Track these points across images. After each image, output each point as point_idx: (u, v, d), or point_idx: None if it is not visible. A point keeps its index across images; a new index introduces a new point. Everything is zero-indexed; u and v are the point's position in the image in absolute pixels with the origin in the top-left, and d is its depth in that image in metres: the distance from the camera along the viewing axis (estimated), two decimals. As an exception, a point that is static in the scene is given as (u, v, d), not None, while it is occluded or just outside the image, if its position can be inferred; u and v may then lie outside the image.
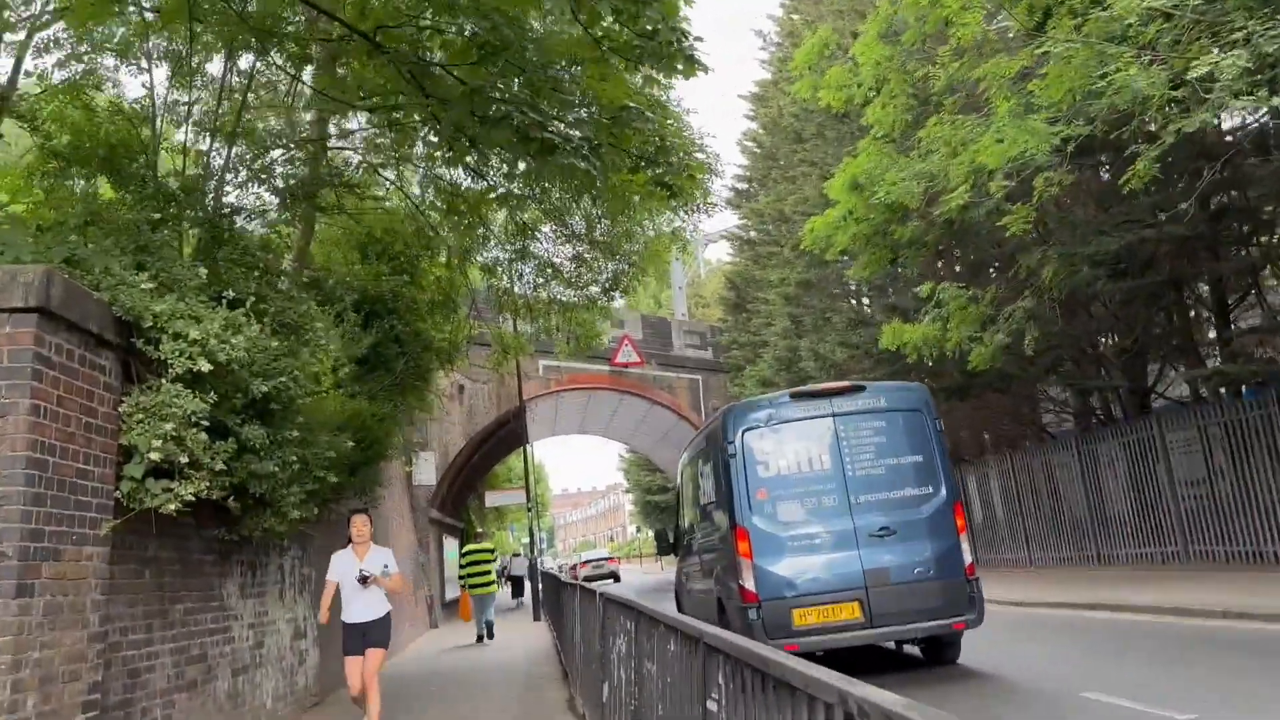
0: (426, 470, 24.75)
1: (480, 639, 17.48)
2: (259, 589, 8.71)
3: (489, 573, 17.79)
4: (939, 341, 14.32)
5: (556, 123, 7.32)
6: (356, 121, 18.14)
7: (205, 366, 5.18)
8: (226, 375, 5.79)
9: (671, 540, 12.76)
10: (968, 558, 8.23)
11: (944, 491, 8.35)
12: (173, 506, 5.38)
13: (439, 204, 16.84)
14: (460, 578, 18.31)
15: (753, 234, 30.45)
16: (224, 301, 5.56)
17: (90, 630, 5.09)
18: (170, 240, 5.85)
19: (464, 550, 18.49)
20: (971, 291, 14.37)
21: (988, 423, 20.48)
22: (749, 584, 8.00)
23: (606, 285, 16.90)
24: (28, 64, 8.00)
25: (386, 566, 8.04)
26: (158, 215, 5.86)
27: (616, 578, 44.51)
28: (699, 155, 8.74)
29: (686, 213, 12.54)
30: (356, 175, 17.97)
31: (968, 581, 8.15)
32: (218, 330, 5.24)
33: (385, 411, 11.58)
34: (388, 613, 8.18)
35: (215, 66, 10.60)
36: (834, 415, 8.46)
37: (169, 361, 5.18)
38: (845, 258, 21.67)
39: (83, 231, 5.61)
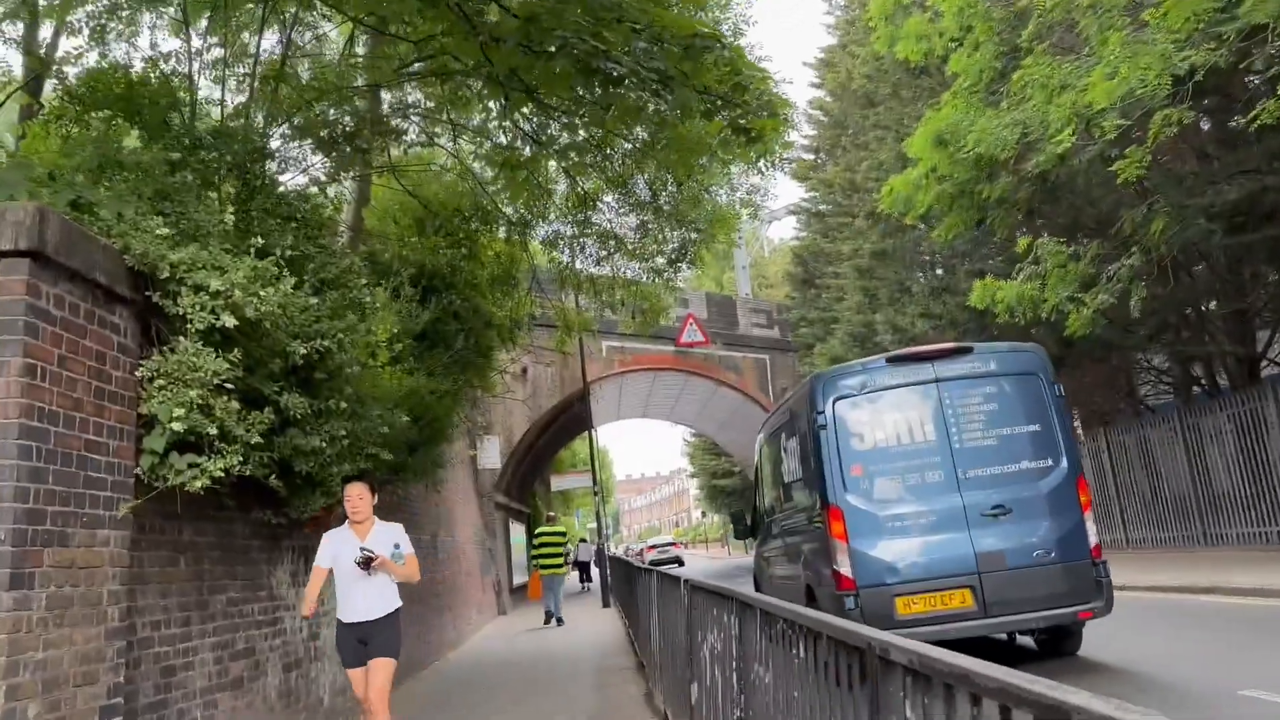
0: (491, 454, 24.24)
1: (548, 619, 17.69)
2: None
3: (559, 554, 18.10)
4: (1034, 302, 13.19)
5: (622, 55, 6.54)
6: (412, 96, 17.61)
7: (230, 322, 4.50)
8: (259, 336, 5.11)
9: (749, 522, 12.02)
10: (1093, 538, 7.36)
11: (1065, 464, 7.48)
12: (199, 484, 4.72)
13: (498, 174, 16.21)
14: (531, 558, 19.09)
15: (821, 206, 29.28)
16: (252, 251, 4.86)
17: (108, 626, 4.45)
18: (194, 185, 5.18)
19: (536, 531, 18.94)
20: (1073, 248, 13.20)
21: (1080, 397, 19.18)
22: (845, 569, 7.24)
23: (672, 256, 16.08)
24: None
25: (398, 547, 6.25)
26: (177, 155, 5.19)
27: (680, 562, 45.44)
28: (777, 91, 7.83)
29: (765, 164, 11.61)
30: (412, 143, 17.43)
31: (1094, 564, 7.28)
32: (243, 281, 4.54)
33: (445, 388, 10.92)
34: (396, 610, 6.22)
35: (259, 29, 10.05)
36: (937, 381, 7.61)
37: (188, 317, 4.49)
38: (921, 226, 20.53)
39: (96, 176, 4.96)
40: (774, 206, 49.33)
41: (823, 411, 7.68)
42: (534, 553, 18.28)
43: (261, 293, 4.64)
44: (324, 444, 6.32)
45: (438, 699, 9.85)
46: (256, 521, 6.72)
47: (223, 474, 4.83)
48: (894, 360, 7.88)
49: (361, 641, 6.01)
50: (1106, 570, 7.36)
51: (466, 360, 13.09)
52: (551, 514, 23.99)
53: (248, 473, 5.04)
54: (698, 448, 60.49)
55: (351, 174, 10.33)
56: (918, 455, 7.46)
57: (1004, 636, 8.63)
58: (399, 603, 6.23)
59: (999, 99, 14.99)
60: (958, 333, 17.14)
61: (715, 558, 63.38)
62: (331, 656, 8.33)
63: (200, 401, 4.70)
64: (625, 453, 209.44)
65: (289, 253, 5.49)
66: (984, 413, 7.52)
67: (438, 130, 17.03)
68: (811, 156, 30.73)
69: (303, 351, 5.28)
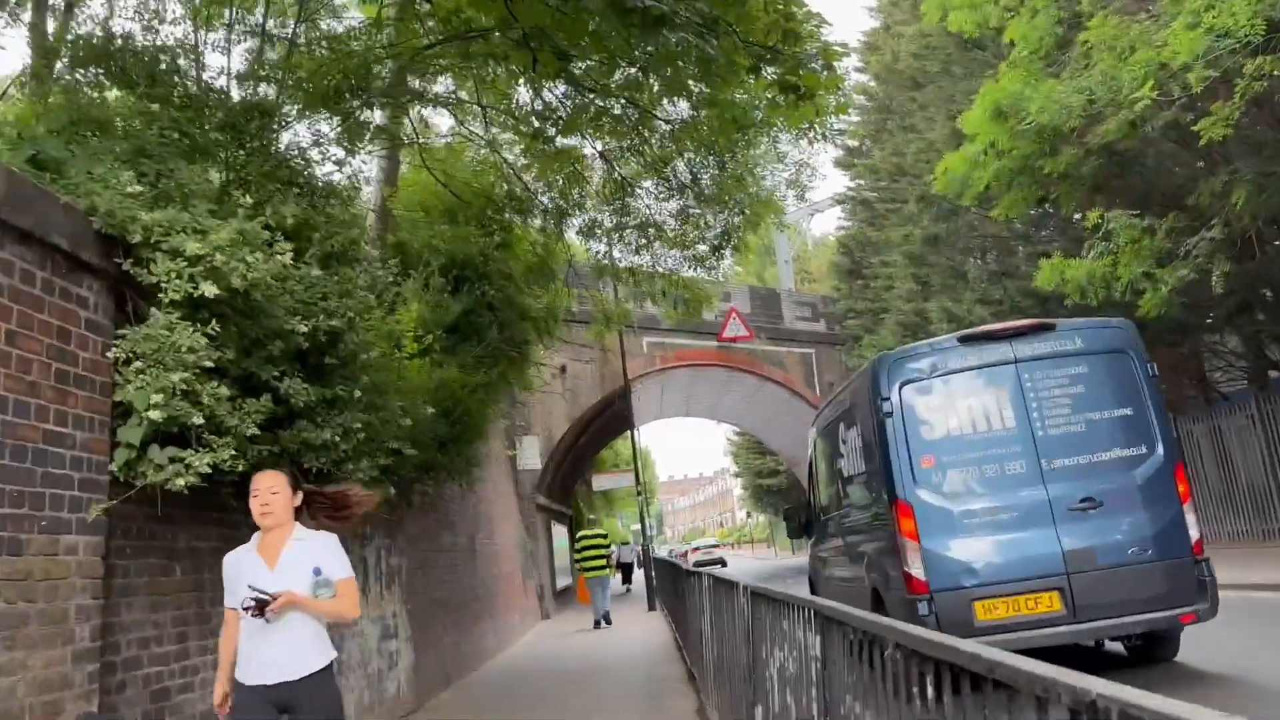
0: (531, 454, 23.64)
1: (598, 624, 17.62)
2: (335, 584, 7.48)
3: (603, 557, 18.23)
4: (1107, 281, 12.25)
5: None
6: (439, 85, 17.05)
7: (210, 291, 3.86)
8: (253, 312, 4.47)
9: (803, 521, 11.24)
10: (1194, 532, 6.65)
11: (1161, 451, 6.77)
12: (182, 482, 4.09)
13: (528, 147, 15.57)
14: (575, 562, 19.11)
15: (867, 194, 28.32)
16: (240, 212, 4.21)
17: (76, 646, 3.83)
18: (178, 143, 4.56)
19: (579, 536, 19.24)
20: (1147, 221, 12.23)
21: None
22: (916, 571, 6.62)
23: (715, 243, 15.33)
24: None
25: (319, 573, 3.89)
26: (156, 105, 4.58)
27: (723, 563, 45.66)
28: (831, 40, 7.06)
29: (816, 131, 10.83)
30: (444, 134, 16.86)
31: (1196, 562, 6.58)
32: (227, 244, 3.89)
33: (479, 380, 10.28)
34: (327, 665, 3.89)
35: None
36: (1016, 361, 6.95)
37: (163, 286, 3.86)
38: (974, 210, 19.55)
39: (68, 135, 4.35)
40: (817, 198, 48.28)
41: (888, 398, 7.03)
42: (577, 557, 18.64)
43: (249, 258, 4.00)
44: (337, 438, 5.69)
45: (473, 714, 9.20)
46: (267, 525, 6.12)
47: (210, 470, 4.20)
48: (967, 340, 7.19)
49: (281, 710, 3.71)
50: (1210, 569, 6.64)
51: (500, 353, 12.45)
52: (592, 518, 23.97)
53: (240, 469, 4.40)
54: (742, 447, 59.60)
55: (369, 146, 9.71)
56: (996, 444, 6.82)
57: (1091, 642, 7.79)
58: (331, 654, 3.96)
59: (1059, 69, 14.07)
60: (1018, 319, 16.18)
61: (761, 558, 62.40)
62: (357, 672, 7.71)
63: (184, 387, 4.07)
64: (668, 453, 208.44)
65: (290, 219, 4.84)
66: (1069, 396, 6.88)
67: (468, 120, 16.49)
68: (855, 143, 29.77)
69: (304, 330, 4.63)
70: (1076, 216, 16.24)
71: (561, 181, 15.65)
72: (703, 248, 15.47)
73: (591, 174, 15.93)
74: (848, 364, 29.34)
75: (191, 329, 3.83)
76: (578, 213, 16.01)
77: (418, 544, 10.07)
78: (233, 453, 4.36)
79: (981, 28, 15.73)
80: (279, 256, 4.55)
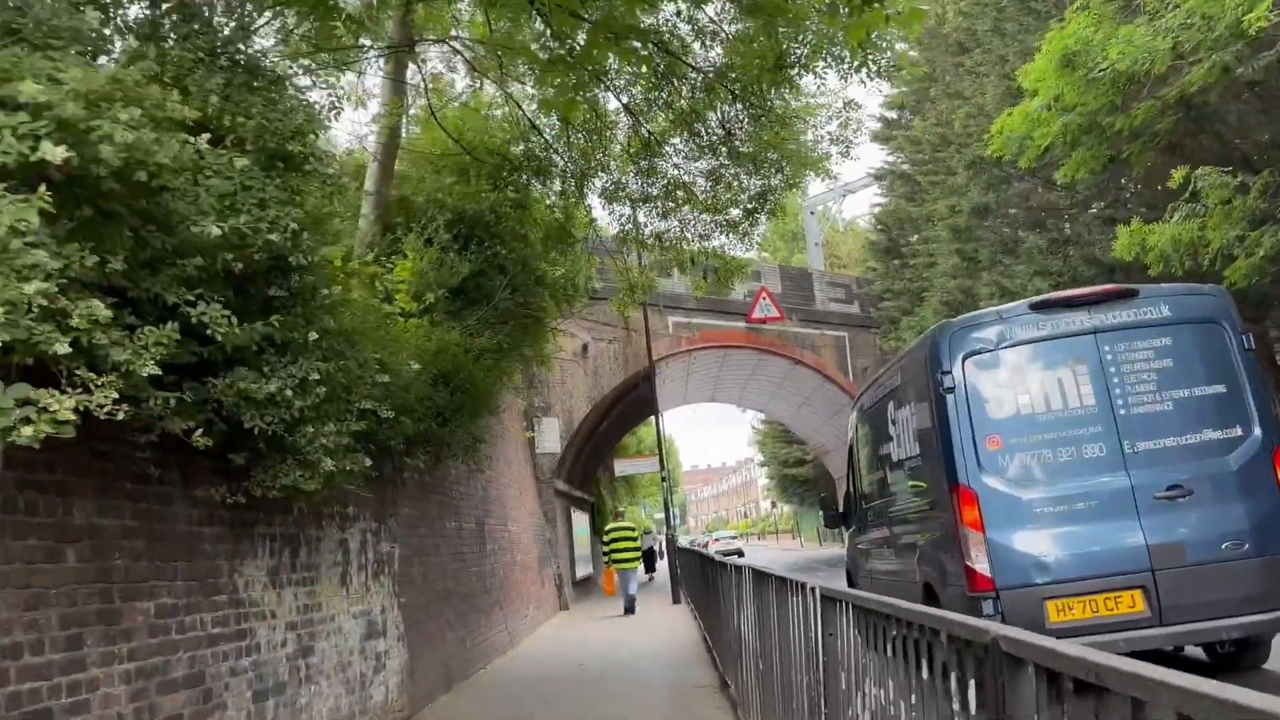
0: (550, 437, 22.51)
1: (627, 611, 17.93)
2: (306, 574, 6.34)
3: (633, 548, 18.78)
4: (1194, 245, 10.87)
5: None
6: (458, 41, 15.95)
7: (56, 156, 2.67)
8: (156, 214, 3.28)
9: (840, 510, 10.53)
10: None
11: (1258, 432, 6.09)
12: (29, 432, 2.91)
13: (544, 84, 14.36)
14: (605, 554, 19.64)
15: (905, 167, 26.89)
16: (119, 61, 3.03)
17: None
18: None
19: (608, 529, 19.81)
20: (1240, 179, 10.84)
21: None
22: (980, 565, 5.94)
23: (749, 206, 14.05)
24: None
25: None
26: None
27: (741, 553, 46.97)
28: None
29: (873, 57, 9.54)
30: (460, 94, 15.73)
31: None
32: (75, 87, 2.70)
33: (485, 346, 9.11)
34: None
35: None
36: (1096, 332, 6.22)
37: (-11, 147, 2.67)
38: (1028, 179, 18.14)
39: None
40: (849, 179, 46.85)
41: (949, 371, 6.29)
42: (606, 549, 19.20)
43: (123, 115, 2.81)
44: (288, 391, 4.51)
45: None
46: (208, 501, 4.95)
47: (77, 417, 3.02)
48: (1039, 307, 6.42)
49: None
50: None
51: (514, 320, 11.27)
52: (620, 510, 24.41)
53: (121, 417, 3.22)
54: (768, 435, 58.29)
55: (359, 62, 8.56)
56: (1072, 424, 6.14)
57: (1170, 647, 6.69)
58: None
59: (1131, 16, 12.67)
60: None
61: (786, 549, 61.10)
62: (333, 676, 6.57)
63: (44, 302, 2.90)
64: (692, 442, 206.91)
65: (213, 97, 3.66)
66: (1155, 371, 6.19)
67: (485, 76, 15.31)
68: (894, 115, 28.33)
69: (217, 232, 3.43)
70: (1139, 189, 14.83)
71: (583, 139, 14.49)
72: (735, 212, 14.21)
73: (615, 133, 14.73)
74: (883, 348, 27.97)
75: (18, 200, 2.64)
76: (600, 174, 14.82)
77: (415, 528, 8.91)
78: (116, 395, 3.18)
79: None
80: (192, 142, 3.36)
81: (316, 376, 4.68)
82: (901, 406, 7.43)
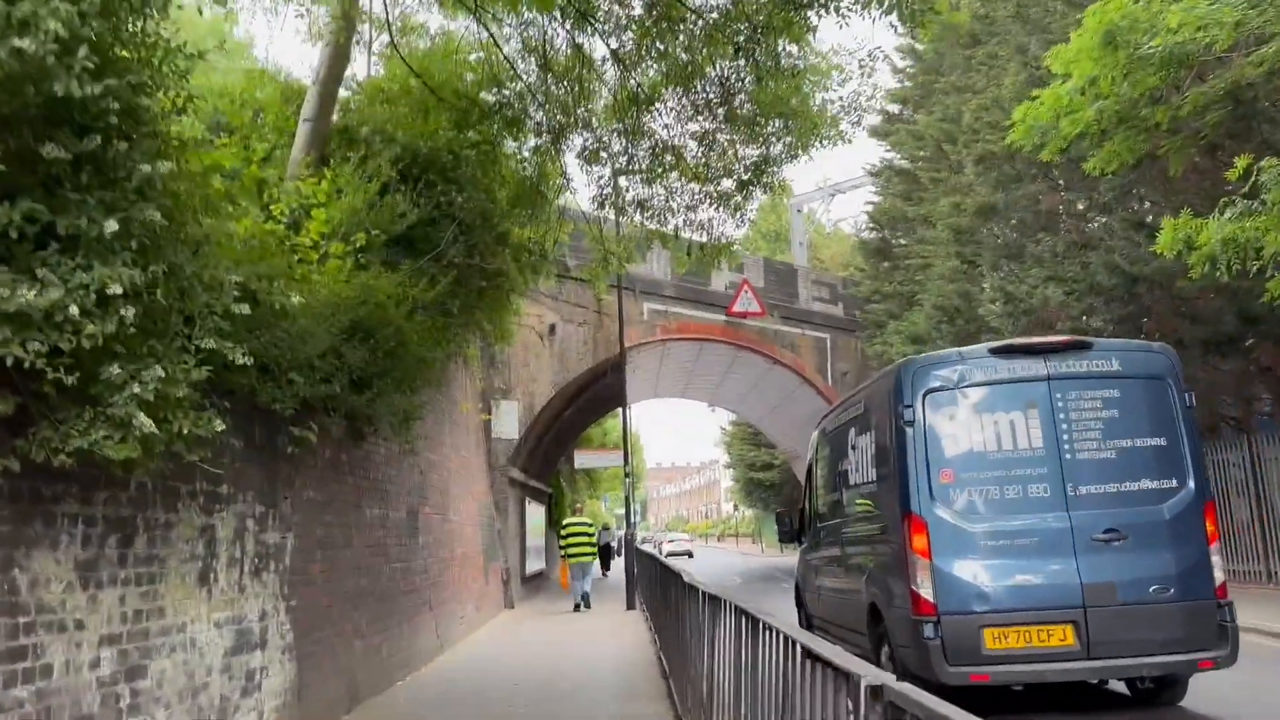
0: (508, 422, 20.94)
1: (577, 608, 18.02)
2: (143, 570, 4.77)
3: (587, 544, 18.90)
4: (1246, 247, 9.52)
5: None
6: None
7: None
8: None
9: (795, 525, 10.89)
10: (1219, 575, 6.44)
11: (1192, 485, 6.55)
12: None
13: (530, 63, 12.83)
14: (561, 548, 19.62)
15: (903, 162, 25.53)
16: None
17: None
18: None
19: (565, 523, 20.07)
20: (1307, 178, 9.50)
21: (1239, 390, 15.41)
22: (925, 591, 6.29)
23: (744, 178, 12.56)
24: None
25: None
26: None
27: (690, 555, 51.02)
28: None
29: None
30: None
31: (1219, 606, 6.36)
32: None
33: (425, 298, 7.57)
34: None
35: None
36: (1050, 379, 6.64)
37: None
38: (1046, 171, 16.81)
39: None
40: (839, 180, 45.58)
41: (911, 405, 6.69)
42: (563, 543, 19.21)
43: None
44: (73, 307, 2.96)
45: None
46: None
47: None
48: (999, 351, 6.88)
49: None
50: (1233, 613, 6.35)
51: (467, 280, 9.73)
52: (579, 506, 23.82)
53: None
54: (736, 436, 56.97)
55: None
56: (1021, 464, 6.53)
57: (1095, 680, 7.33)
58: None
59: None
60: (1101, 300, 13.43)
61: (746, 554, 59.83)
62: (176, 703, 5.00)
63: None
64: (656, 439, 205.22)
65: None
66: (1102, 420, 6.58)
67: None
68: (895, 109, 26.99)
69: None
70: (1169, 190, 13.50)
71: (564, 89, 12.94)
72: (728, 183, 12.72)
73: (600, 86, 13.19)
74: (866, 352, 26.65)
75: None
76: (580, 131, 13.27)
77: (319, 515, 7.34)
78: None
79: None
80: None
81: (120, 290, 3.12)
82: (863, 433, 7.76)
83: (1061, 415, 6.52)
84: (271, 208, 6.14)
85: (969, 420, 6.65)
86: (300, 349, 5.25)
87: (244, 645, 5.91)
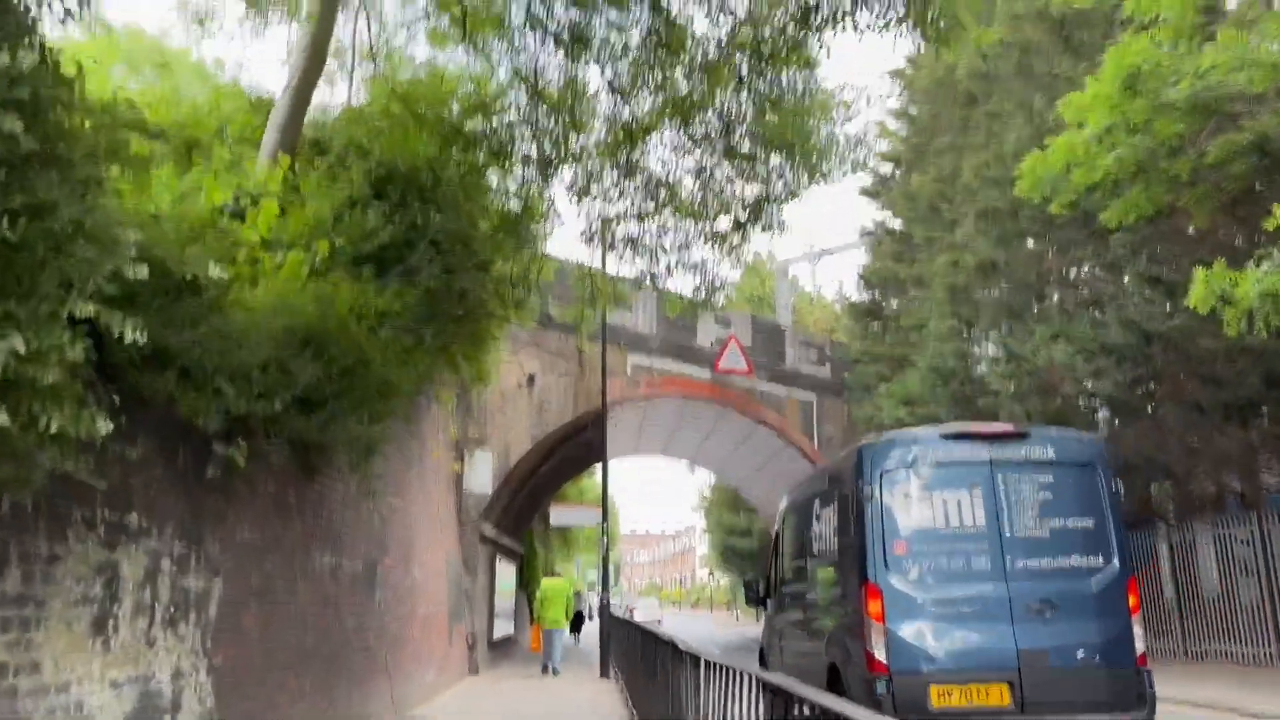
0: (482, 473, 19.88)
1: (545, 669, 17.95)
2: (12, 612, 3.81)
3: (560, 606, 18.57)
4: (1286, 302, 8.84)
5: None
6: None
7: None
8: None
9: (762, 592, 11.22)
10: (1139, 645, 7.06)
11: (1116, 563, 7.22)
12: None
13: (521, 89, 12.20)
14: (534, 610, 19.41)
15: (896, 224, 25.10)
16: None
17: None
18: None
19: (542, 585, 19.66)
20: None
21: (1224, 468, 14.68)
22: (879, 652, 6.85)
23: (741, 218, 11.88)
24: None
25: None
26: None
27: (660, 623, 51.07)
28: None
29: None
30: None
31: (1138, 673, 6.93)
32: None
33: (389, 310, 6.72)
34: None
35: None
36: (992, 463, 7.30)
37: None
38: (1041, 234, 16.30)
39: None
40: (830, 244, 45.39)
41: (870, 483, 7.29)
42: (538, 605, 18.90)
43: None
44: None
45: None
46: None
47: None
48: (949, 436, 7.53)
49: None
50: (1151, 681, 6.97)
51: (444, 305, 8.87)
52: (558, 571, 24.14)
53: None
54: (715, 502, 55.84)
55: None
56: (966, 539, 7.14)
57: None
58: None
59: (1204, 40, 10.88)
60: (1111, 360, 12.73)
61: (721, 624, 58.24)
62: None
63: None
64: (631, 504, 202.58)
65: None
66: (1038, 502, 7.25)
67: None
68: (888, 170, 26.67)
69: None
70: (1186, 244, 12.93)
71: (555, 120, 12.30)
72: (725, 222, 12.05)
73: (593, 120, 12.57)
74: (854, 415, 25.88)
75: None
76: (571, 164, 12.60)
77: (256, 559, 6.36)
78: None
79: (1099, -6, 12.59)
80: None
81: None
82: (827, 506, 8.28)
83: (1002, 496, 7.18)
84: (212, 192, 5.29)
85: (921, 498, 7.25)
86: (234, 353, 4.38)
87: (149, 710, 4.90)
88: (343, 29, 14.07)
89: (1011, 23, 16.61)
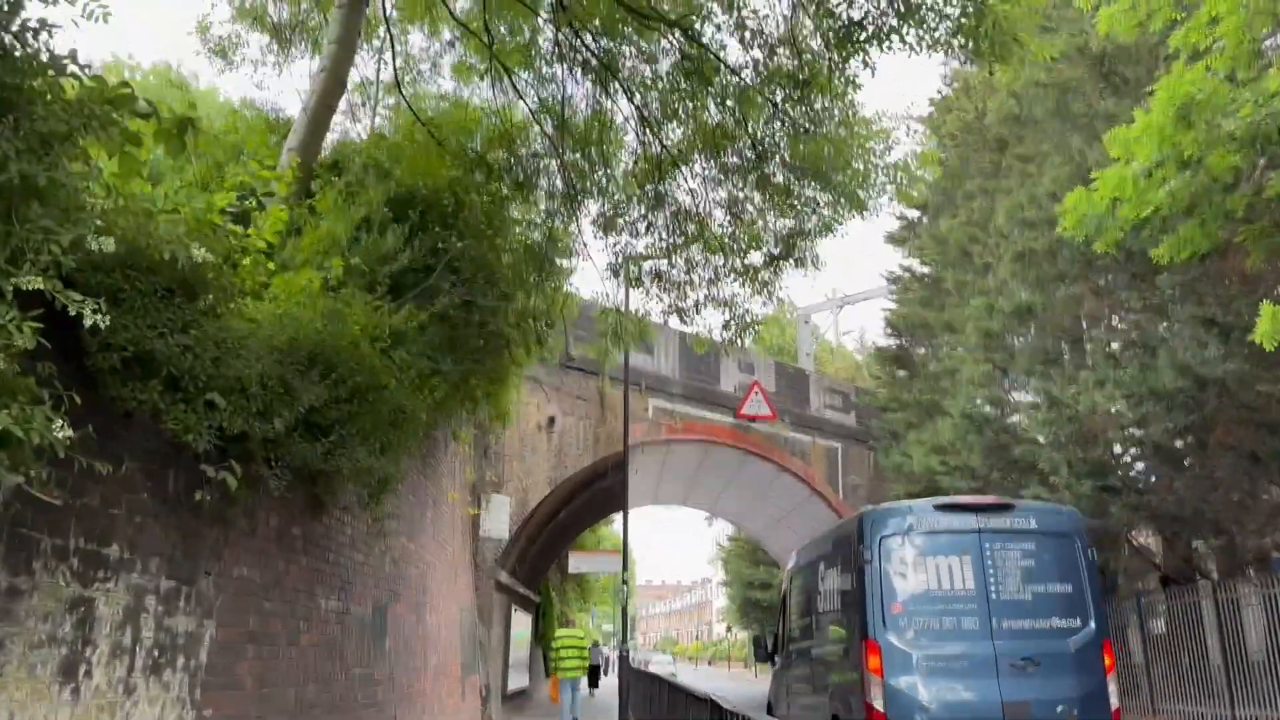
0: (499, 519, 19.29)
1: None
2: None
3: (579, 658, 18.09)
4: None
5: None
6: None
7: None
8: None
9: (770, 648, 11.90)
10: (1114, 700, 7.63)
11: (1093, 625, 7.86)
12: None
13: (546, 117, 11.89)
14: (552, 660, 18.91)
15: (927, 269, 24.61)
16: None
17: None
18: None
19: (557, 635, 19.35)
20: None
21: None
22: (877, 703, 7.40)
23: (774, 251, 11.41)
24: None
25: None
26: None
27: (674, 675, 50.75)
28: None
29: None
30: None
31: None
32: None
33: (404, 327, 6.26)
34: None
35: None
36: (980, 532, 8.00)
37: None
38: (1080, 277, 15.76)
39: None
40: (851, 291, 44.91)
41: (870, 548, 7.92)
42: (555, 656, 18.35)
43: None
44: None
45: None
46: None
47: None
48: (941, 507, 8.21)
49: None
50: None
51: (463, 335, 8.41)
52: (571, 619, 23.32)
53: None
54: (733, 553, 54.75)
55: None
56: (957, 601, 7.75)
57: None
58: None
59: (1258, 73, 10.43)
60: (1162, 405, 12.08)
61: (738, 678, 56.76)
62: None
63: None
64: (647, 555, 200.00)
65: None
66: (1021, 568, 7.88)
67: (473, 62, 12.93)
68: (915, 214, 26.27)
69: None
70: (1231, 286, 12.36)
71: (581, 153, 11.96)
72: (756, 257, 11.58)
73: (619, 151, 12.23)
74: (882, 464, 25.19)
75: None
76: (596, 197, 12.24)
77: (255, 599, 5.83)
78: None
79: (1142, 28, 12.19)
80: None
81: None
82: (831, 568, 9.00)
83: (989, 563, 7.86)
84: (214, 190, 4.87)
85: (916, 563, 7.93)
86: (229, 363, 3.92)
87: (122, 771, 4.35)
88: (367, 64, 13.91)
89: (1047, 65, 16.26)
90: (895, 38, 7.36)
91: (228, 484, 4.19)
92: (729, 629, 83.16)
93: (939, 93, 26.71)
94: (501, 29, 12.00)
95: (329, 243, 6.73)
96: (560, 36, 11.34)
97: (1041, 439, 15.06)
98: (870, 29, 7.48)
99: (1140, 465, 15.94)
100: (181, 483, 4.64)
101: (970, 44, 7.02)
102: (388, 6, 12.55)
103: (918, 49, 7.46)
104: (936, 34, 7.32)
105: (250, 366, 4.06)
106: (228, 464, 4.18)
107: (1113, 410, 13.88)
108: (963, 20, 6.88)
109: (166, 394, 3.74)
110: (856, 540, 8.11)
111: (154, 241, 3.58)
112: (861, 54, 7.68)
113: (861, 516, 8.36)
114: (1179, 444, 12.49)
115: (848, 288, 77.99)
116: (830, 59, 8.20)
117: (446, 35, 13.61)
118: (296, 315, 5.13)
